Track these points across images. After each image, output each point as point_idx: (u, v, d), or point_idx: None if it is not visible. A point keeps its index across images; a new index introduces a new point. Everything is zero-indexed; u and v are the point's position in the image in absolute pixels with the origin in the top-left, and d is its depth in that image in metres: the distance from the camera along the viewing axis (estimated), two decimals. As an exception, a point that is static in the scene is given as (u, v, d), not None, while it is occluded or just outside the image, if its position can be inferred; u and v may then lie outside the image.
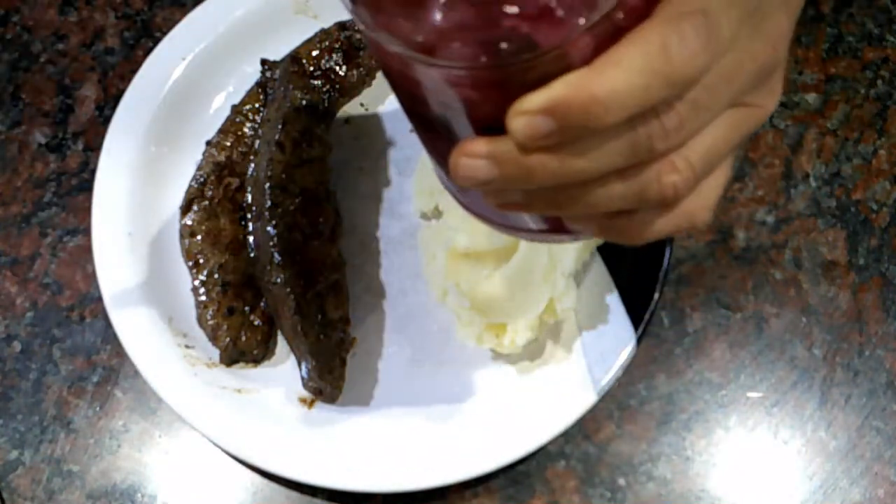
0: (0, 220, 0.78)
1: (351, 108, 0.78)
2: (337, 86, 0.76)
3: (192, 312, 0.72)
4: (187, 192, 0.75)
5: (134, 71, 0.76)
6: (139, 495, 0.71)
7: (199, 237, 0.73)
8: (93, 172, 0.78)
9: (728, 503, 0.69)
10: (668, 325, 0.73)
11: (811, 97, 0.78)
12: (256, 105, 0.76)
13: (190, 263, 0.73)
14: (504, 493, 0.70)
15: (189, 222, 0.73)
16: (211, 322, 0.71)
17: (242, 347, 0.71)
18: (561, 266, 0.69)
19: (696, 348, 0.72)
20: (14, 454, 0.72)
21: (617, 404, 0.71)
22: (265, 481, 0.70)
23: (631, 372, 0.72)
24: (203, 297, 0.72)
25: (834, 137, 0.77)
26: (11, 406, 0.73)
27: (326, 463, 0.67)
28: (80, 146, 0.80)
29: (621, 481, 0.70)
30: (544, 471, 0.70)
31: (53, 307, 0.75)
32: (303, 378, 0.70)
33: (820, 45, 0.80)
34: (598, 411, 0.71)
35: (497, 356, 0.70)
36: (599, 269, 0.72)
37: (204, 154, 0.75)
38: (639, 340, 0.68)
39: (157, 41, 0.77)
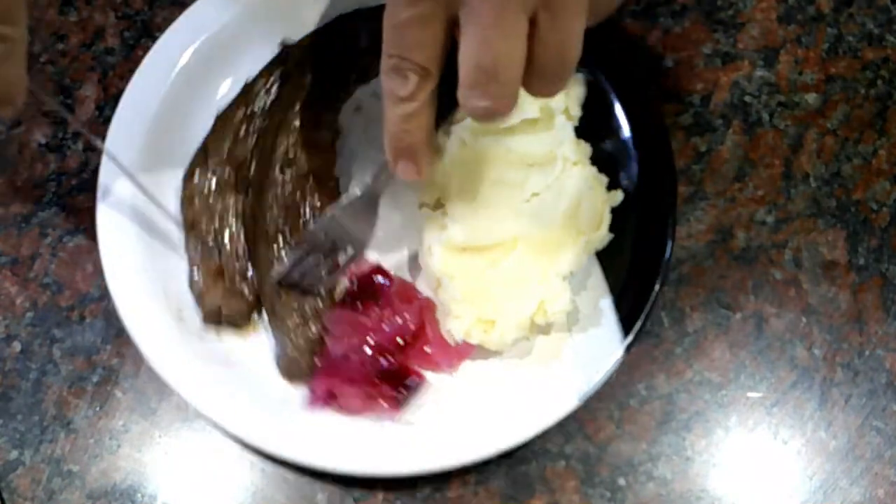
0: (0, 220, 0.78)
1: (363, 95, 0.78)
2: (353, 72, 0.76)
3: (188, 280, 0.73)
4: (193, 158, 0.75)
5: (134, 71, 0.76)
6: (139, 495, 0.71)
7: (199, 203, 0.74)
8: (93, 172, 0.78)
9: (728, 503, 0.69)
10: (668, 325, 0.73)
11: (811, 97, 0.78)
12: (269, 83, 0.76)
13: (188, 227, 0.74)
14: (504, 493, 0.70)
15: (192, 188, 0.74)
16: (200, 284, 0.72)
17: (226, 312, 0.72)
18: (557, 268, 0.69)
19: (696, 348, 0.72)
20: (14, 454, 0.72)
21: (617, 404, 0.71)
22: (265, 481, 0.71)
23: (631, 372, 0.72)
24: (196, 260, 0.73)
25: (834, 137, 0.77)
26: (11, 406, 0.73)
27: (312, 442, 0.68)
28: (79, 146, 0.80)
29: (621, 481, 0.70)
30: (544, 471, 0.70)
31: (53, 307, 0.75)
32: (276, 355, 0.71)
33: (820, 45, 0.80)
34: (598, 411, 0.71)
35: (485, 351, 0.70)
36: (596, 274, 0.71)
37: (214, 124, 0.76)
38: (628, 348, 0.68)
39: (157, 41, 0.77)
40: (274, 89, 0.76)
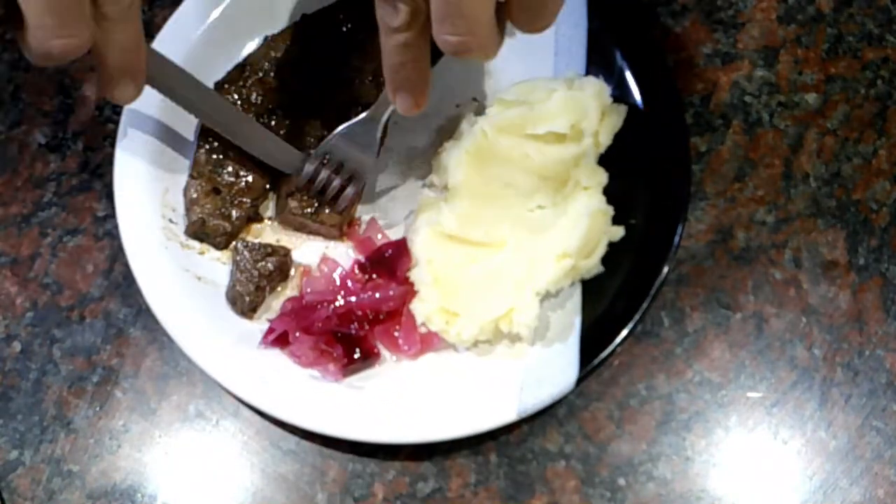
0: (0, 220, 0.78)
1: None
2: None
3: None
4: (230, 70, 0.76)
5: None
6: (139, 495, 0.71)
7: None
8: (93, 172, 0.78)
9: (728, 503, 0.69)
10: (668, 325, 0.73)
11: (811, 97, 0.78)
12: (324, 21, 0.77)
13: (203, 135, 0.75)
14: (504, 493, 0.70)
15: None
16: (193, 194, 0.73)
17: (209, 230, 0.73)
18: (534, 283, 0.69)
19: (696, 348, 0.72)
20: (14, 454, 0.72)
21: (617, 404, 0.71)
22: (265, 481, 0.71)
23: (631, 372, 0.72)
24: (198, 169, 0.74)
25: (834, 137, 0.77)
26: (11, 406, 0.73)
27: (251, 376, 0.69)
28: (80, 146, 0.80)
29: (621, 481, 0.70)
30: (544, 471, 0.70)
31: (53, 307, 0.75)
32: (227, 285, 0.72)
33: (820, 45, 0.80)
34: (597, 411, 0.71)
35: (447, 345, 0.70)
36: (576, 299, 0.71)
37: (260, 45, 0.77)
38: (579, 381, 0.67)
39: (157, 41, 0.77)
40: (329, 30, 0.77)
